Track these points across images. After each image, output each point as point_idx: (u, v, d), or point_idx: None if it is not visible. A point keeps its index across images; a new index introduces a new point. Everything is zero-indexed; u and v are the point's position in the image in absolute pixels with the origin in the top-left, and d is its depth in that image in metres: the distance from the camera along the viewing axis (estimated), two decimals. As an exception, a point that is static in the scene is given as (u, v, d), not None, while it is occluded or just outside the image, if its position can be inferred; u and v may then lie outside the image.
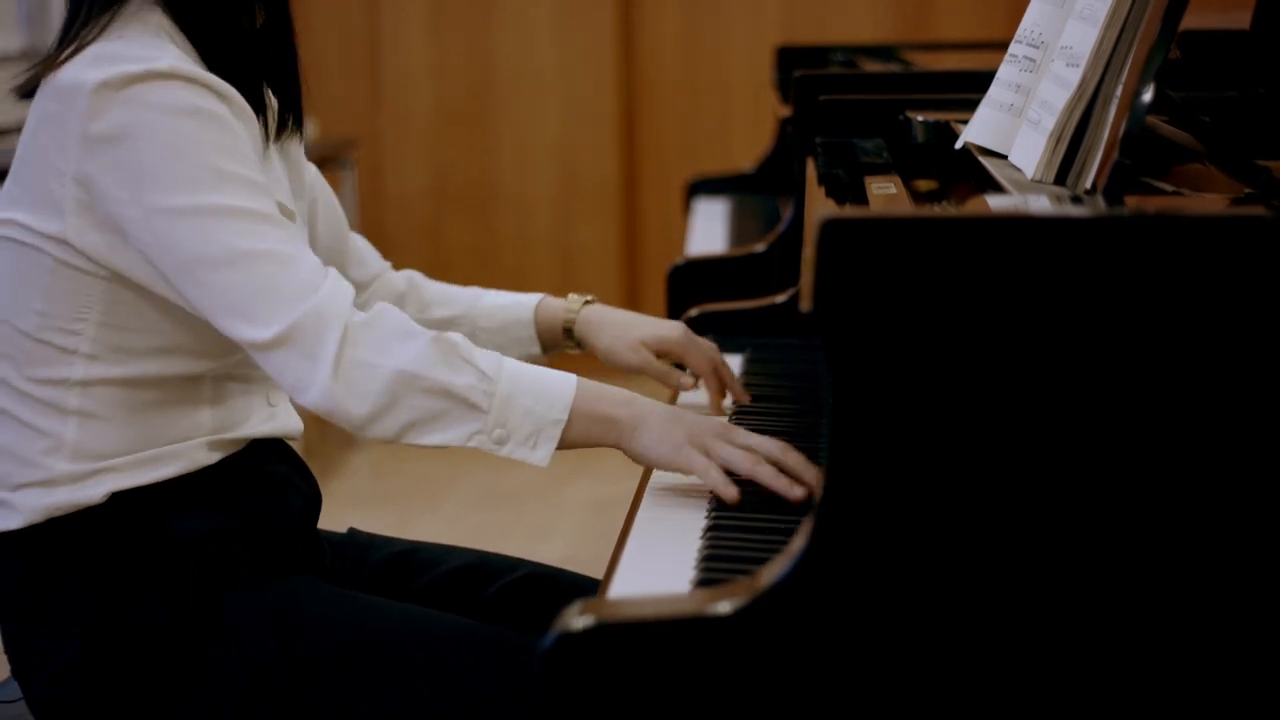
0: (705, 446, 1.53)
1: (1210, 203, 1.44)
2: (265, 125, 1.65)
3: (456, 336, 1.54)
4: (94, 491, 1.58)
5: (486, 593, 1.78)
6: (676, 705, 1.15)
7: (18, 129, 1.65)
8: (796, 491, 1.49)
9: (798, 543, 1.16)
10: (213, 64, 1.59)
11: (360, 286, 1.91)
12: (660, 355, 1.87)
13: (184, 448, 1.61)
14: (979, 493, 1.13)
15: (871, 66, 3.38)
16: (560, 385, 1.54)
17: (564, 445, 1.55)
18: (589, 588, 1.74)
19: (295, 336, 1.50)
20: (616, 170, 5.55)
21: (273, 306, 1.50)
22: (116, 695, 1.57)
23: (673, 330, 1.87)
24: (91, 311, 1.57)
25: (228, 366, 1.64)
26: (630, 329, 1.88)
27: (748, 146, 5.08)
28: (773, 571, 1.16)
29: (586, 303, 1.91)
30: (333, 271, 1.56)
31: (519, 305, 1.93)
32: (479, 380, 1.52)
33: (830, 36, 5.13)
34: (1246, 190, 1.41)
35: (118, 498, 1.59)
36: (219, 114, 1.54)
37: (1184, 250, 1.11)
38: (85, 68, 1.54)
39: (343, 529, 1.88)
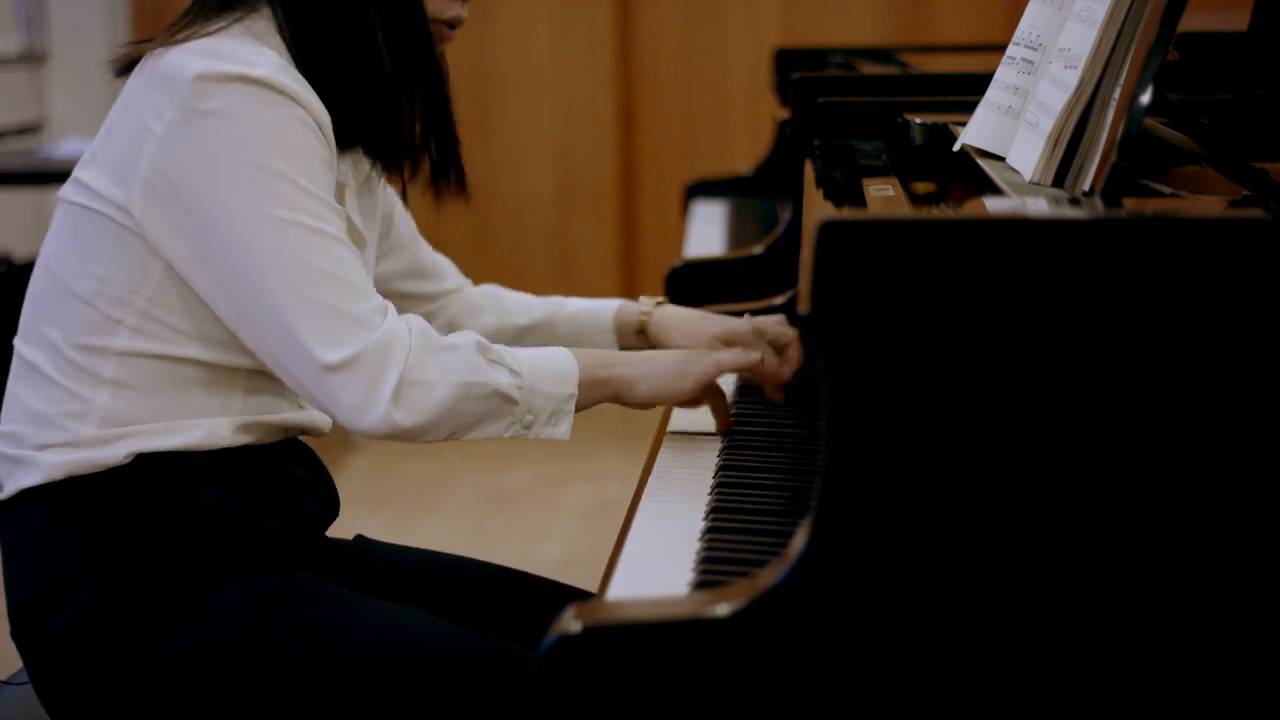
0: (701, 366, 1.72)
1: (1208, 205, 1.44)
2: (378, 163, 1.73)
3: (482, 339, 1.63)
4: (115, 451, 1.61)
5: (487, 604, 1.79)
6: (674, 708, 1.15)
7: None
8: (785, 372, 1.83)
9: (796, 545, 1.16)
10: (318, 85, 1.64)
11: (435, 298, 1.99)
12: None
13: (208, 421, 1.63)
14: (978, 495, 1.13)
15: (869, 69, 3.38)
16: (566, 362, 1.66)
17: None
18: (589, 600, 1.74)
19: (361, 363, 1.55)
20: (614, 172, 5.55)
21: (345, 330, 1.55)
22: (91, 673, 1.59)
23: (742, 324, 1.91)
24: (146, 285, 1.60)
25: (261, 364, 1.65)
26: (700, 327, 1.94)
27: (746, 149, 5.08)
28: (771, 574, 1.16)
29: (658, 304, 2.00)
30: (391, 306, 1.61)
31: (599, 310, 2.02)
32: (511, 376, 1.62)
33: (828, 39, 5.13)
34: (1245, 192, 1.41)
35: (140, 459, 1.61)
36: (306, 131, 1.59)
37: (1182, 253, 1.11)
38: (190, 56, 1.58)
39: (341, 531, 1.88)
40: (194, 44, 1.61)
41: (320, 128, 1.61)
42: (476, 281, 2.06)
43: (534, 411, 1.63)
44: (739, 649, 1.15)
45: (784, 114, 3.35)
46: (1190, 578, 1.13)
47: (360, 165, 1.74)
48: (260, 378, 1.66)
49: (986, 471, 1.13)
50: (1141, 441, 1.12)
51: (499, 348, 1.64)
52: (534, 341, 1.99)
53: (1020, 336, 1.12)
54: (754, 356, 1.78)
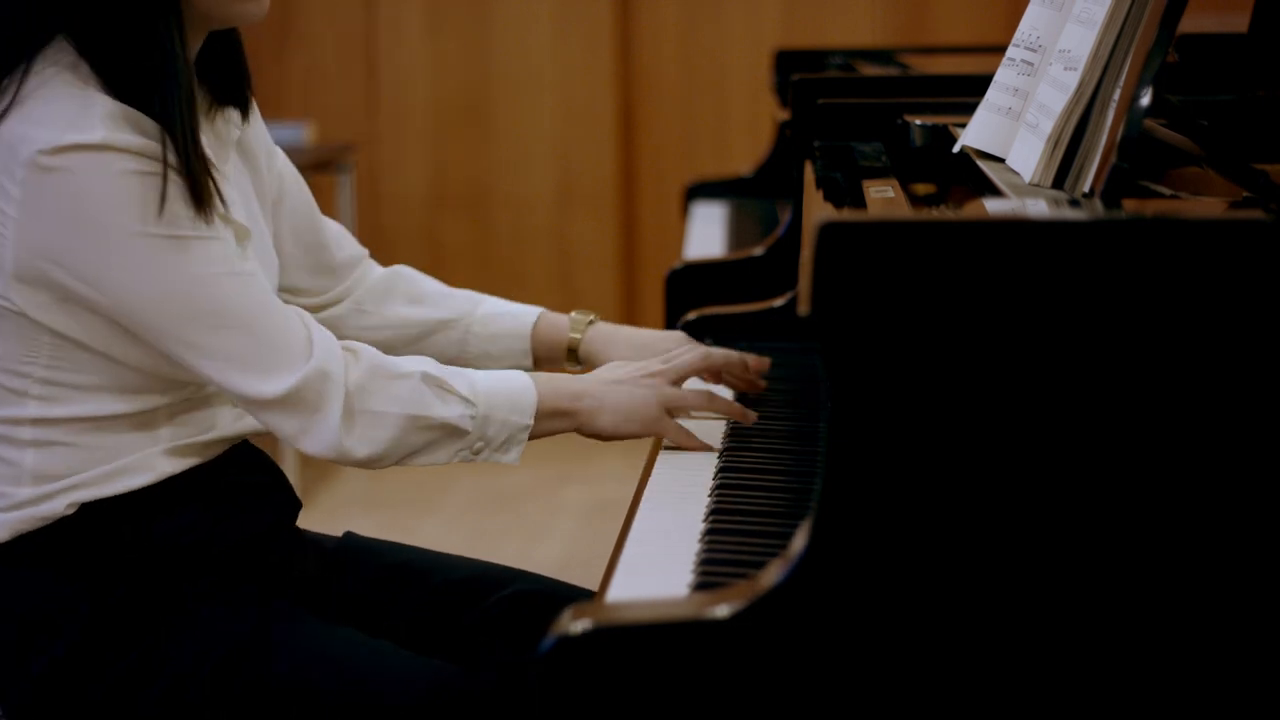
0: (666, 405, 1.71)
1: (1208, 206, 1.44)
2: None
3: (437, 368, 1.63)
4: (56, 505, 1.59)
5: (482, 606, 1.77)
6: (674, 710, 1.15)
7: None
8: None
9: (796, 546, 1.16)
10: (134, 100, 1.55)
11: (341, 269, 1.90)
12: None
13: (144, 458, 1.61)
14: (978, 496, 1.13)
15: (869, 70, 3.38)
16: (524, 391, 1.66)
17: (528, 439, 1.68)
18: (586, 600, 1.74)
19: (301, 395, 1.56)
20: (614, 173, 5.55)
21: (277, 363, 1.56)
22: (83, 686, 1.58)
23: (675, 344, 1.88)
24: (39, 355, 1.57)
25: (183, 394, 1.64)
26: (638, 352, 1.88)
27: (746, 150, 5.08)
28: (771, 575, 1.16)
29: (590, 323, 1.93)
30: (309, 318, 1.60)
31: (517, 317, 1.93)
32: (464, 408, 1.63)
33: (828, 40, 5.13)
34: (1245, 194, 1.41)
35: (85, 508, 1.59)
36: (157, 179, 1.52)
37: (1182, 254, 1.11)
38: (23, 127, 1.52)
39: (339, 532, 1.87)
40: (22, 110, 1.53)
41: (164, 164, 1.53)
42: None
43: (485, 439, 1.64)
44: (739, 651, 1.15)
45: (784, 115, 3.35)
46: (1190, 578, 1.13)
47: (223, 149, 1.68)
48: (183, 405, 1.64)
49: (987, 473, 1.13)
50: (1142, 442, 1.12)
51: (453, 374, 1.63)
52: (444, 339, 1.93)
53: (1020, 338, 1.12)
54: (730, 405, 1.77)
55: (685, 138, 5.56)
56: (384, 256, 1.99)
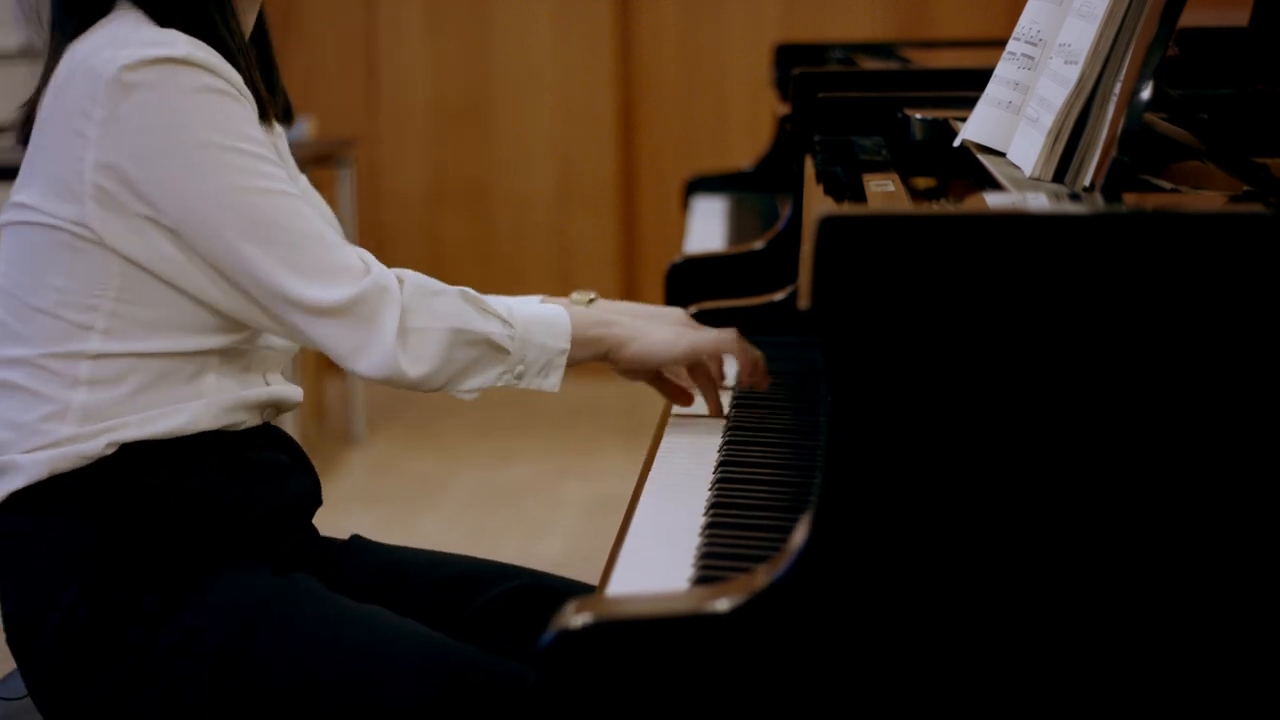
0: (695, 343, 1.78)
1: (1209, 200, 1.44)
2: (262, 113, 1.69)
3: (472, 291, 1.68)
4: (95, 444, 1.60)
5: (481, 600, 1.77)
6: (675, 704, 1.15)
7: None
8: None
9: (796, 540, 1.16)
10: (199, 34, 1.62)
11: None
12: None
13: (187, 408, 1.63)
14: (978, 490, 1.13)
15: (870, 64, 3.38)
16: (558, 317, 1.72)
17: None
18: (586, 594, 1.74)
19: (359, 306, 1.60)
20: (614, 169, 5.55)
21: (337, 273, 1.59)
22: (82, 688, 1.58)
23: (678, 320, 1.90)
24: (109, 287, 1.60)
25: (237, 342, 1.66)
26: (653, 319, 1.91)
27: (746, 145, 5.09)
28: (771, 569, 1.16)
29: (590, 300, 1.94)
30: (364, 251, 1.65)
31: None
32: (503, 327, 1.68)
33: (828, 34, 5.13)
34: (1245, 188, 1.41)
35: (122, 449, 1.61)
36: (229, 99, 1.59)
37: (1182, 248, 1.11)
38: (106, 49, 1.57)
39: (340, 527, 1.88)
40: (102, 37, 1.60)
41: (240, 91, 1.61)
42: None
43: (526, 363, 1.68)
44: (739, 644, 1.15)
45: (784, 109, 3.35)
46: (1190, 575, 1.13)
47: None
48: (230, 356, 1.67)
49: (986, 466, 1.13)
50: (1141, 436, 1.12)
51: (490, 298, 1.69)
52: None
53: (1020, 332, 1.12)
54: (756, 353, 1.81)
55: (685, 137, 5.56)
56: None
